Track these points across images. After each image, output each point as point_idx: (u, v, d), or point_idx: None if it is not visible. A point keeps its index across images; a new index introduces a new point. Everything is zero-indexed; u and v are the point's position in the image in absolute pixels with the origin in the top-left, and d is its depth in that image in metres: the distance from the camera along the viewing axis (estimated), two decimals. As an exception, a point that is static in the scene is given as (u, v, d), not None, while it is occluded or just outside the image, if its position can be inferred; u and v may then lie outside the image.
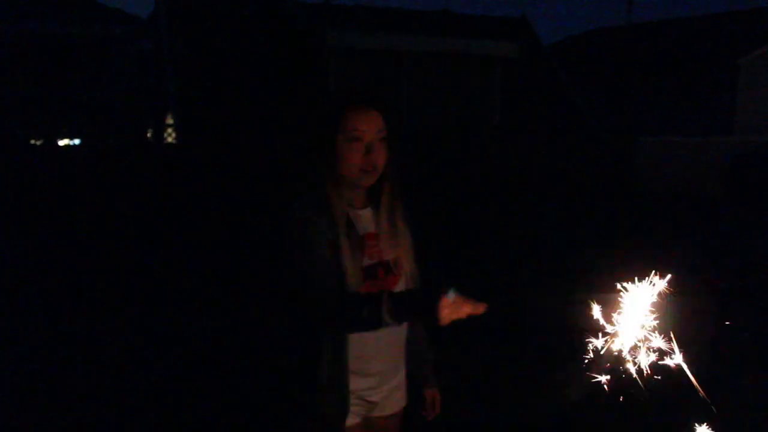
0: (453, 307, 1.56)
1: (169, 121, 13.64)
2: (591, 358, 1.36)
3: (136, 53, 14.01)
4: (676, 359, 1.27)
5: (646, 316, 1.31)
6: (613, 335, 1.34)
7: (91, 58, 13.56)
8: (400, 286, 1.82)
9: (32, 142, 12.95)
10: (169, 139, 13.67)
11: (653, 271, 1.30)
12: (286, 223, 1.76)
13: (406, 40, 11.27)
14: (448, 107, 11.54)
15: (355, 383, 1.81)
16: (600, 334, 1.34)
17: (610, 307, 1.35)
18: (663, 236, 8.72)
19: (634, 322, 1.32)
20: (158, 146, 13.30)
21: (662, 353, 1.29)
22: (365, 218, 1.85)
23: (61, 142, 13.20)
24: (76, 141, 13.42)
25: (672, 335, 1.28)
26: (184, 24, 12.72)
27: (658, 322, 1.29)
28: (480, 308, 1.57)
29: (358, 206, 1.85)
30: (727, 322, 4.51)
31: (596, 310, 1.36)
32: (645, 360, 1.31)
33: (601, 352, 1.35)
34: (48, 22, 13.01)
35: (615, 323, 1.34)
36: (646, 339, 1.31)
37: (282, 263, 1.74)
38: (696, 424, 1.34)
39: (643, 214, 10.88)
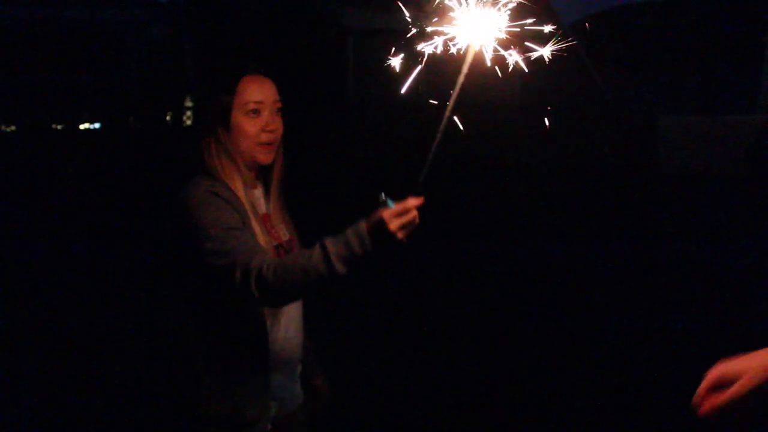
0: (399, 214, 1.33)
1: (188, 104, 13.66)
2: None
3: (154, 37, 14.03)
4: None
5: None
6: None
7: (109, 43, 13.59)
8: None
9: (54, 126, 13.03)
10: (188, 122, 13.71)
11: None
12: (193, 201, 1.56)
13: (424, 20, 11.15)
14: (473, 85, 11.40)
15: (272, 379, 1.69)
16: None
17: None
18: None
19: None
20: (177, 129, 13.34)
21: None
22: (258, 199, 1.74)
23: (82, 126, 13.28)
24: (96, 125, 13.48)
25: None
26: (202, 7, 12.70)
27: None
28: (419, 200, 1.36)
29: (250, 186, 1.72)
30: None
31: None
32: None
33: None
34: (66, 7, 13.03)
35: None
36: None
37: (196, 242, 1.53)
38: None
39: (664, 195, 10.76)
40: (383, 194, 1.36)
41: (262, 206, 1.74)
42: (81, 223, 7.00)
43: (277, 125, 1.68)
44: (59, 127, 13.06)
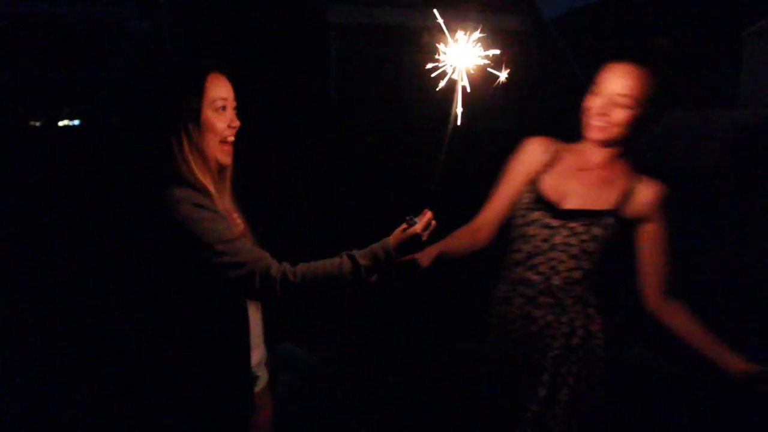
0: (425, 227, 1.62)
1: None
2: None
3: (135, 32, 13.91)
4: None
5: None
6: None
7: (89, 39, 13.46)
8: None
9: (32, 123, 12.88)
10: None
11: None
12: (182, 218, 1.55)
13: (406, 14, 11.17)
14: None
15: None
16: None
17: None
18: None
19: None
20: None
21: None
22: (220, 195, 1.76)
23: (61, 123, 13.14)
24: (76, 122, 13.35)
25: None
26: (183, 2, 12.61)
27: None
28: (431, 212, 1.64)
29: (216, 184, 1.74)
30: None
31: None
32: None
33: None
34: (46, 4, 12.89)
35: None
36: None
37: (203, 256, 1.54)
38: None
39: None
40: (410, 217, 1.62)
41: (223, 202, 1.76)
42: (60, 222, 6.91)
43: (238, 123, 1.70)
44: (38, 124, 12.91)
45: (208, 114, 1.63)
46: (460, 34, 1.57)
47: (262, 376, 1.84)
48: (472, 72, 1.58)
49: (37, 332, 4.18)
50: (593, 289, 1.97)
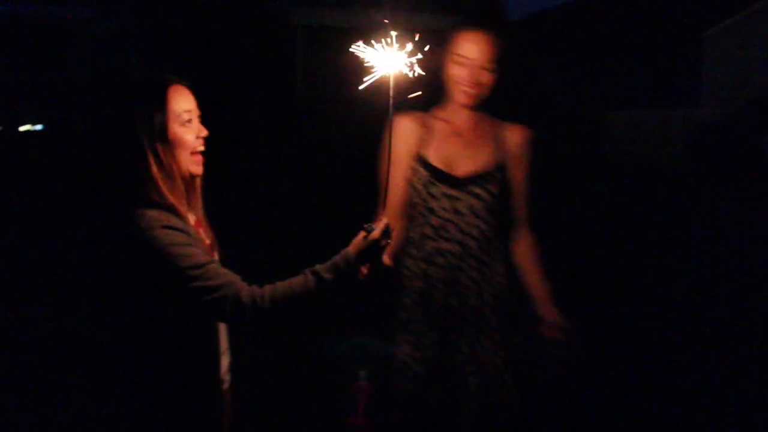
0: (383, 233, 1.63)
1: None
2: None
3: (98, 34, 13.71)
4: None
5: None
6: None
7: (51, 40, 13.24)
8: None
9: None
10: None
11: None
12: (154, 242, 1.53)
13: (370, 17, 11.19)
14: (414, 84, 11.49)
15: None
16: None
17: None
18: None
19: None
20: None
21: None
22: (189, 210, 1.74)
23: (22, 128, 12.88)
24: (38, 126, 13.10)
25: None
26: (147, 4, 12.47)
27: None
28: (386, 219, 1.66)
29: (184, 200, 1.71)
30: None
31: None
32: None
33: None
34: (3, 3, 12.66)
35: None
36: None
37: (175, 281, 1.54)
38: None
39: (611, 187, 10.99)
40: (368, 224, 1.64)
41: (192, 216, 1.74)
42: (23, 230, 6.78)
43: (206, 131, 1.67)
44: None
45: (176, 129, 1.60)
46: (385, 37, 1.65)
47: (226, 381, 1.85)
48: (402, 74, 1.65)
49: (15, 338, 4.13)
50: (505, 241, 2.14)
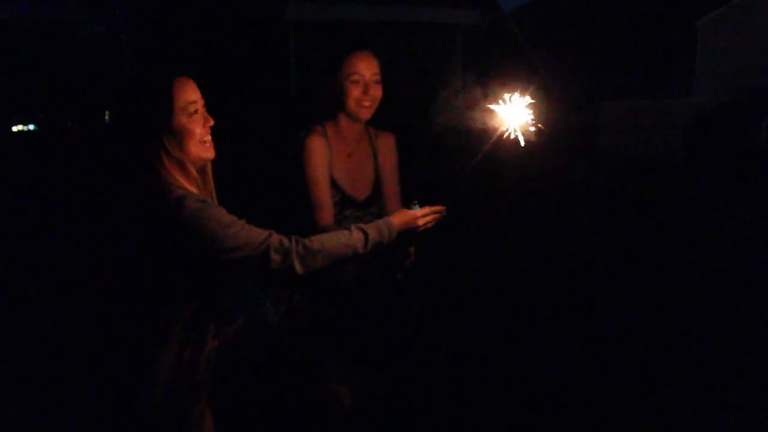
0: (425, 215, 1.82)
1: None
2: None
3: (89, 35, 13.66)
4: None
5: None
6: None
7: (41, 41, 13.18)
8: None
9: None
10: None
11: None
12: (182, 214, 1.56)
13: (363, 11, 11.15)
14: (412, 77, 11.45)
15: None
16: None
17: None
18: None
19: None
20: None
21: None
22: None
23: (15, 128, 12.83)
24: (31, 126, 13.05)
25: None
26: (138, 4, 12.40)
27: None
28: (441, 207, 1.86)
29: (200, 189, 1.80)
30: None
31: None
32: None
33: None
34: (-3, 5, 12.58)
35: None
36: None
37: (214, 244, 1.58)
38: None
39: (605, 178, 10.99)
40: (415, 202, 1.82)
41: None
42: (17, 232, 6.74)
43: (212, 121, 1.72)
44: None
45: (183, 121, 1.63)
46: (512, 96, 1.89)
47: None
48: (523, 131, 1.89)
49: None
50: None
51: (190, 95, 1.65)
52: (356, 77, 2.18)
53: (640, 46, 19.32)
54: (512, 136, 1.87)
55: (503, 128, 1.88)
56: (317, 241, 1.65)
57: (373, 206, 2.27)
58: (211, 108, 1.74)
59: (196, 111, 1.65)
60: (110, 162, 1.65)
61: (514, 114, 1.87)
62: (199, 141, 1.66)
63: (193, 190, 1.65)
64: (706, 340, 4.09)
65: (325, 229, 2.09)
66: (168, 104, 1.60)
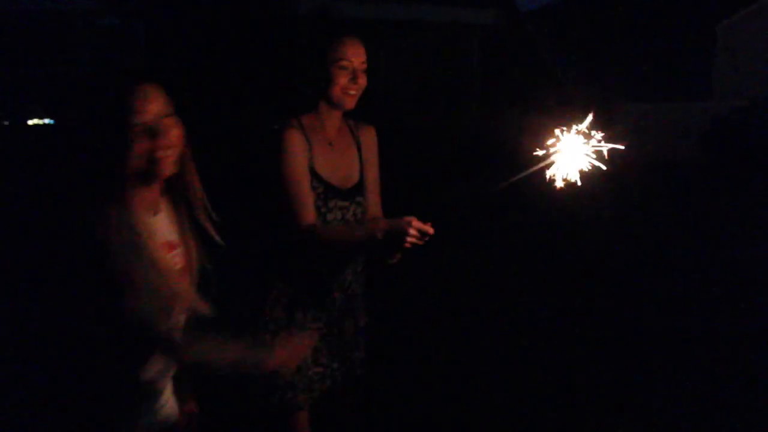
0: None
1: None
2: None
3: (104, 29, 13.72)
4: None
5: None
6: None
7: (57, 34, 13.26)
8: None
9: (1, 122, 12.66)
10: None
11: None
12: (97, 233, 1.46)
13: (381, 8, 11.11)
14: (428, 76, 11.39)
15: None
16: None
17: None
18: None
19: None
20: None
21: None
22: (163, 223, 1.64)
23: (31, 122, 12.93)
24: (47, 120, 13.14)
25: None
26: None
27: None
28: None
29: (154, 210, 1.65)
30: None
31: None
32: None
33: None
34: (10, -1, 12.69)
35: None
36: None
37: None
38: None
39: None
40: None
41: (171, 231, 1.63)
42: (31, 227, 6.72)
43: (175, 138, 1.55)
44: (6, 123, 12.69)
45: (143, 139, 1.47)
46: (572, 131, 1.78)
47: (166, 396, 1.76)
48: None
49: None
50: None
51: (153, 109, 1.49)
52: (345, 63, 2.07)
53: (659, 48, 19.16)
54: (555, 178, 1.75)
55: (548, 168, 1.77)
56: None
57: (359, 196, 2.17)
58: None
59: (159, 129, 1.48)
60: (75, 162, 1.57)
61: (568, 156, 1.74)
62: (159, 156, 1.50)
63: (138, 204, 1.52)
64: (705, 340, 4.05)
65: (308, 231, 1.99)
66: (128, 122, 1.45)
